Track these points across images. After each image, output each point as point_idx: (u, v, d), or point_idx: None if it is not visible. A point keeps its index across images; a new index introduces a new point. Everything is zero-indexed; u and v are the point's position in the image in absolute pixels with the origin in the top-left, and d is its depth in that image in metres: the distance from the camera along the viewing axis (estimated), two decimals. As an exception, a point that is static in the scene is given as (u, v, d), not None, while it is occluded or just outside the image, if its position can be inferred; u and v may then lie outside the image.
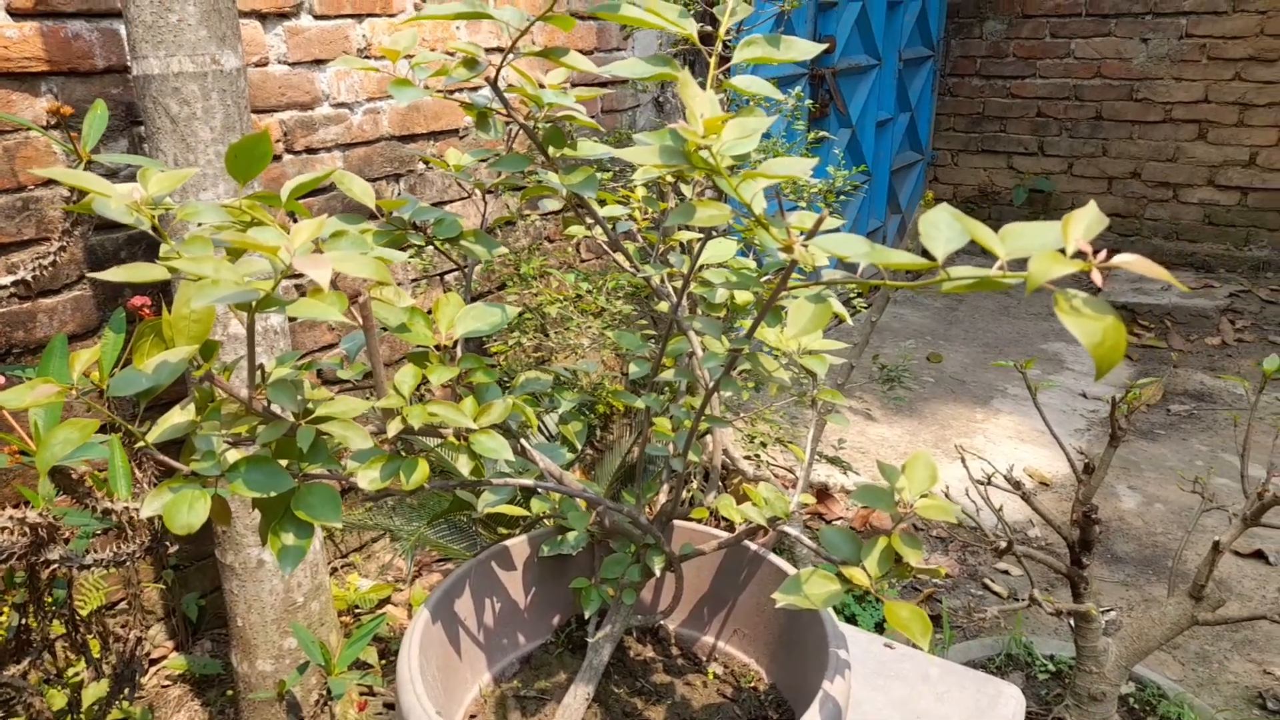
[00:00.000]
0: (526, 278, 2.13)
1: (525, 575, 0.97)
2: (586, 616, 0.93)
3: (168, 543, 1.17)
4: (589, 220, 0.97)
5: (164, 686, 2.21)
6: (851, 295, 2.66)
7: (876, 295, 2.06)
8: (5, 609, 1.40)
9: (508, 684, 0.93)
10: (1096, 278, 0.46)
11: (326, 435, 0.69)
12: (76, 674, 1.72)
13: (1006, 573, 2.53)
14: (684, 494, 2.17)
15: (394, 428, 0.71)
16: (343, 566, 2.61)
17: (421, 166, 2.60)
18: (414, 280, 2.55)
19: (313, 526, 0.70)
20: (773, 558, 0.93)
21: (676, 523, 0.98)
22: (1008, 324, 4.29)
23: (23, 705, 1.36)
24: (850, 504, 2.67)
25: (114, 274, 0.60)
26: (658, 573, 0.87)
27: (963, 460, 1.50)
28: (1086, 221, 0.49)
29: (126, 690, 1.45)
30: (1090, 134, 4.91)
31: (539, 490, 0.86)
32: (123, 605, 2.00)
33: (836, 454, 2.31)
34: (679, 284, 0.88)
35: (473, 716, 0.88)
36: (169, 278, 0.60)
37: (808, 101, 2.47)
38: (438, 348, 0.79)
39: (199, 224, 0.69)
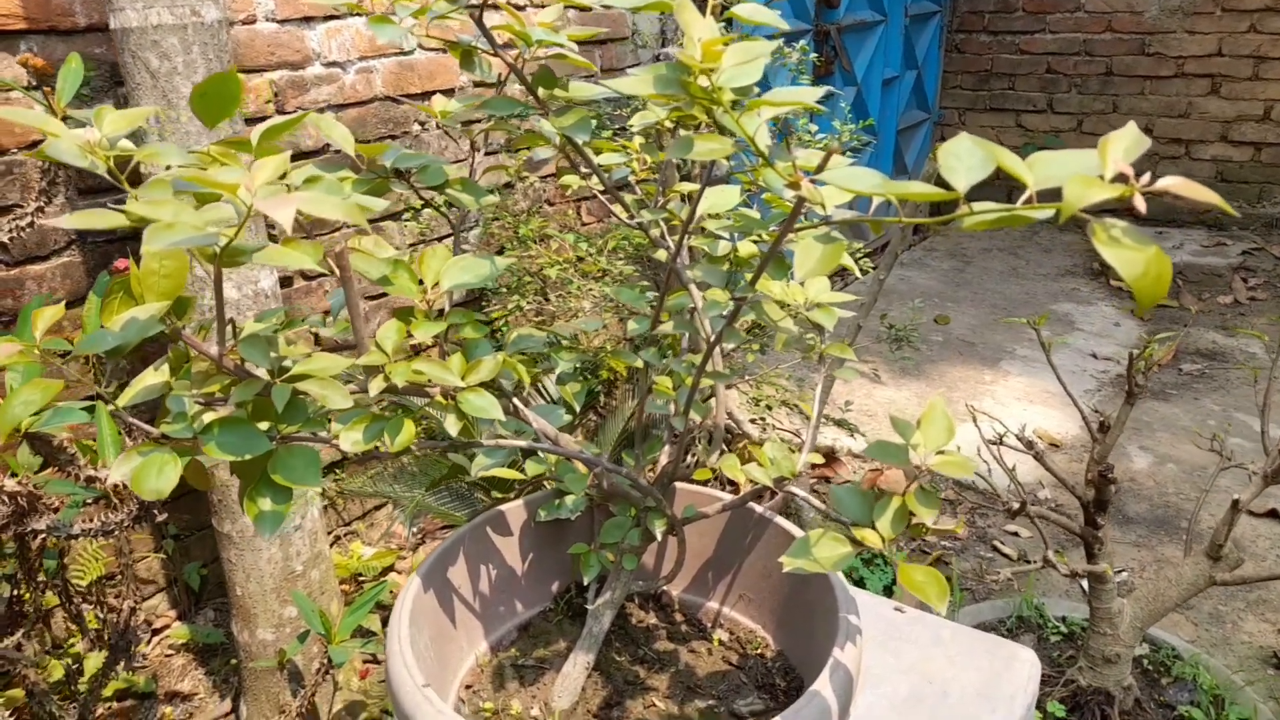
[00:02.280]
0: (525, 239, 2.08)
1: (522, 541, 0.93)
2: (585, 583, 0.89)
3: (155, 511, 1.14)
4: (585, 170, 0.92)
5: (167, 655, 2.20)
6: (858, 255, 2.60)
7: (884, 253, 2.01)
8: (-2, 580, 1.38)
9: (505, 653, 0.90)
10: (1139, 204, 0.42)
11: (304, 395, 0.65)
12: (75, 645, 1.70)
13: (1016, 534, 2.50)
14: (689, 457, 2.13)
15: (376, 386, 0.67)
16: (345, 534, 2.59)
17: (417, 128, 2.54)
18: (411, 245, 2.50)
19: (291, 491, 0.66)
20: (779, 520, 0.89)
21: (679, 485, 0.94)
22: (1016, 285, 4.22)
23: (18, 677, 1.34)
24: (857, 468, 2.64)
25: (67, 220, 0.56)
26: (659, 536, 0.83)
27: (974, 420, 1.46)
28: (1125, 143, 0.45)
29: (123, 662, 1.43)
30: (1100, 90, 4.81)
31: (535, 452, 0.82)
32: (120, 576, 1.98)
33: (843, 416, 2.27)
34: (679, 235, 0.84)
35: (469, 687, 0.84)
36: (128, 224, 0.56)
37: (812, 56, 2.40)
38: (440, 311, 0.75)
39: (166, 168, 0.64)
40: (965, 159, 0.52)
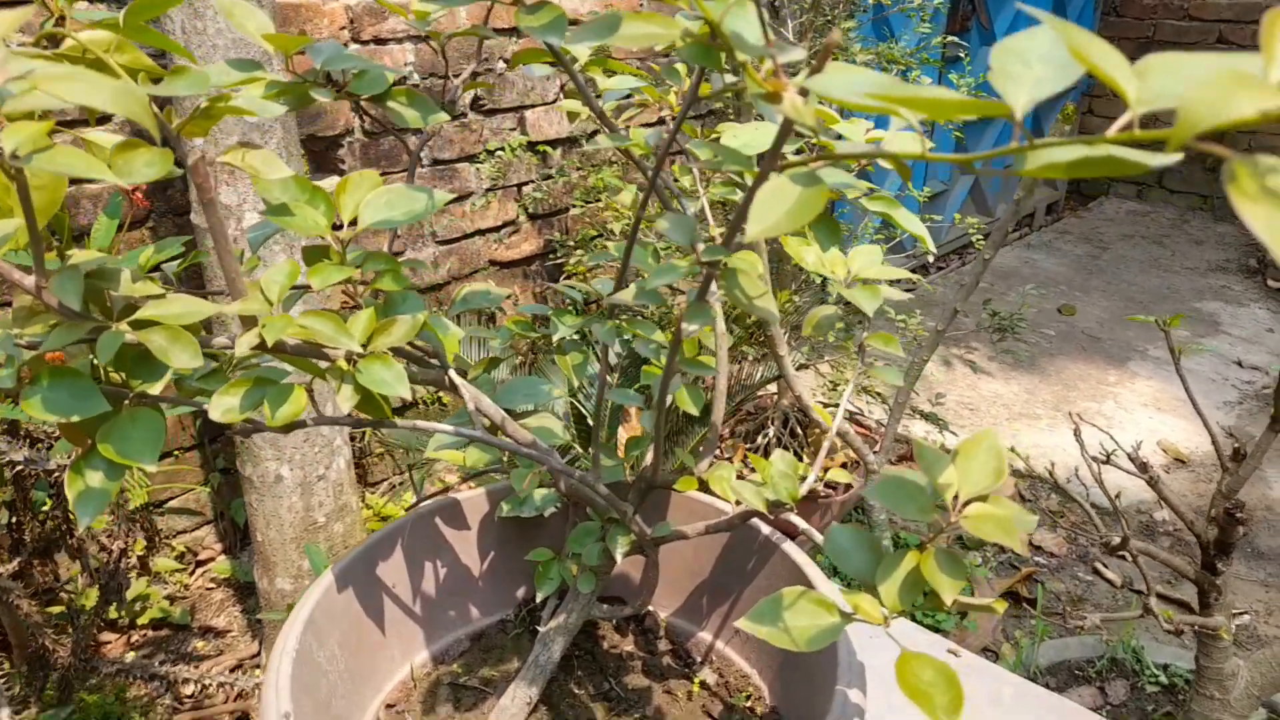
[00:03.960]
0: (595, 189, 1.92)
1: (482, 536, 0.79)
2: (539, 599, 0.74)
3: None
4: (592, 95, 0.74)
5: (208, 589, 2.18)
6: (974, 237, 2.32)
7: (994, 229, 1.75)
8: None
9: (447, 666, 0.76)
10: (1327, 125, 0.22)
11: (143, 345, 0.51)
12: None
13: (1124, 557, 2.22)
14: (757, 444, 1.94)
15: (245, 343, 0.52)
16: (401, 484, 2.53)
17: (501, 65, 2.40)
18: (487, 190, 2.37)
19: (124, 467, 0.52)
20: (787, 547, 0.72)
21: (676, 494, 0.77)
22: (1157, 278, 3.81)
23: (9, 606, 1.30)
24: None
25: None
26: (618, 558, 0.67)
27: (1076, 434, 1.23)
28: (1311, 22, 0.25)
29: (115, 601, 1.37)
30: (1281, 65, 4.27)
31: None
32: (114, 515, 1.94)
33: (934, 410, 2.04)
34: (654, 167, 0.66)
35: (391, 706, 0.71)
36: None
37: (939, 1, 2.13)
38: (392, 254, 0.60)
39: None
40: (1037, 62, 0.33)
